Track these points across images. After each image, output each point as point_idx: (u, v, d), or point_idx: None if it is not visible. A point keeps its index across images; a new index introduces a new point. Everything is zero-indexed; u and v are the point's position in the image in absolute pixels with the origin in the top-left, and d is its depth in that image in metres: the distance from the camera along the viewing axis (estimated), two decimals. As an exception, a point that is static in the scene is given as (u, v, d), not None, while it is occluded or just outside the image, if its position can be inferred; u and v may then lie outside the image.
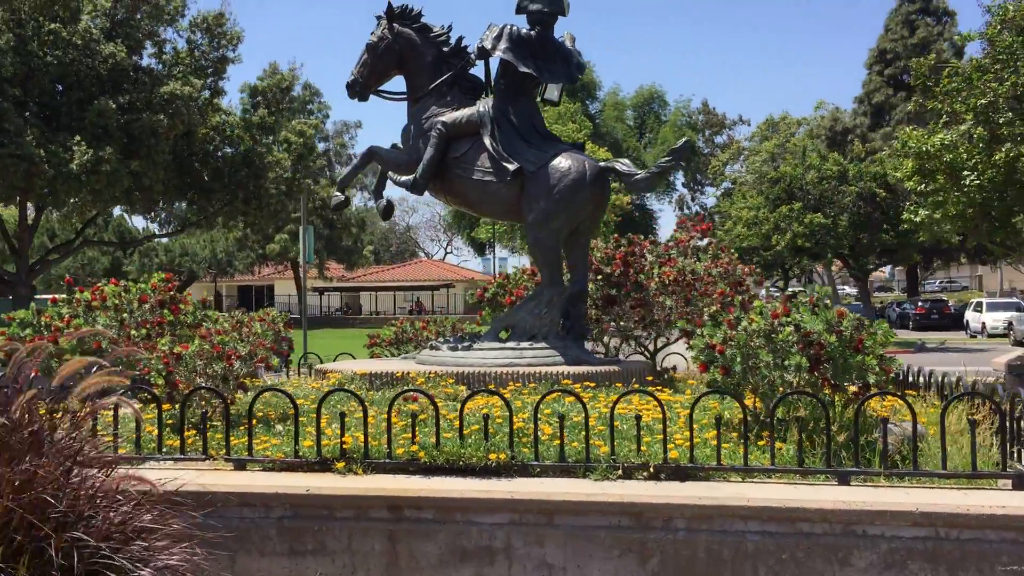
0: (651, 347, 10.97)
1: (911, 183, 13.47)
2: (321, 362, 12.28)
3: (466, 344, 9.52)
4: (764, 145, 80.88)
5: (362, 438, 6.65)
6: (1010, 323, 38.75)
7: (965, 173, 12.09)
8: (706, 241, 10.73)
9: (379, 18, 10.00)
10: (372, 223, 79.07)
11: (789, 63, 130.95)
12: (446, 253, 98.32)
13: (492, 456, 6.28)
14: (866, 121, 63.02)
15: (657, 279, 10.09)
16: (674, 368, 10.52)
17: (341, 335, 38.78)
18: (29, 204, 22.84)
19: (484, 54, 9.52)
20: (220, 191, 23.51)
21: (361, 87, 10.00)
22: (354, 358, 12.54)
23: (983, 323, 42.45)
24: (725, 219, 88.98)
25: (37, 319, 8.63)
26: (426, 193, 10.19)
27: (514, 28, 9.39)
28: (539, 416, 7.09)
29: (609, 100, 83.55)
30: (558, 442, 6.44)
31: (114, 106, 20.17)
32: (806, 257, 41.88)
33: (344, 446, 6.56)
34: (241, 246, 55.57)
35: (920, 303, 54.82)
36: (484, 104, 9.62)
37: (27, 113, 19.88)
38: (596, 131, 66.46)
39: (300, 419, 6.79)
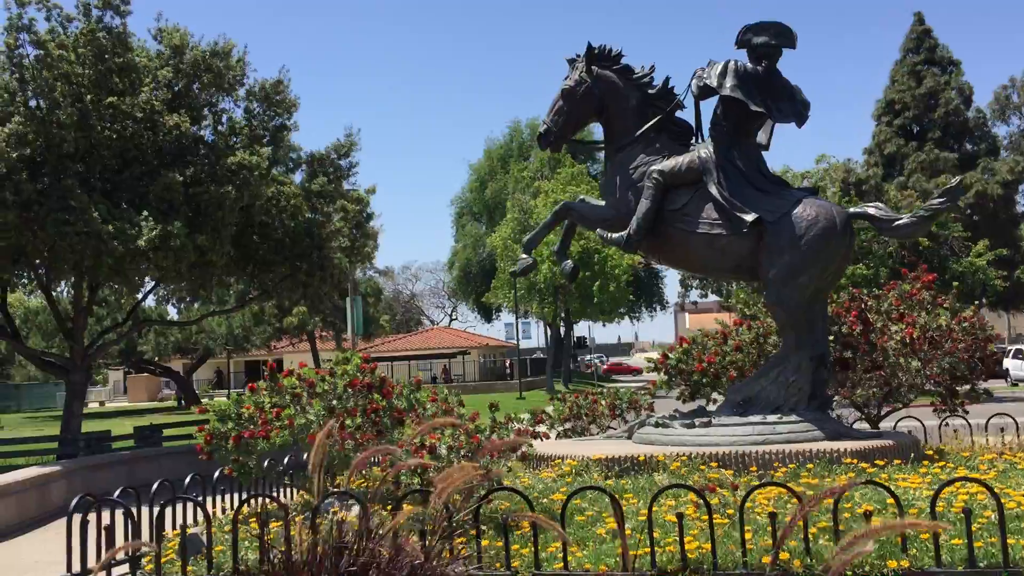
0: (872, 413, 9.85)
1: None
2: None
3: (704, 420, 8.37)
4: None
5: (701, 544, 5.48)
6: (1052, 371, 37.97)
7: None
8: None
9: (572, 61, 9.05)
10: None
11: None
12: (451, 320, 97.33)
13: (891, 563, 5.11)
14: (879, 172, 62.95)
15: (896, 338, 8.99)
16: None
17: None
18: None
19: (707, 92, 8.56)
20: (281, 263, 22.39)
21: (556, 137, 9.02)
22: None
23: (1026, 370, 41.86)
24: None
25: (237, 410, 7.46)
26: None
27: (739, 63, 8.46)
28: (853, 508, 5.94)
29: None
30: (955, 542, 5.29)
31: (180, 179, 19.19)
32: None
33: (687, 555, 5.38)
34: (258, 321, 54.20)
35: (948, 352, 54.25)
36: (704, 149, 8.63)
37: (91, 190, 18.88)
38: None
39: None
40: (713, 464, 7.43)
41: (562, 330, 74.52)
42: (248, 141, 21.20)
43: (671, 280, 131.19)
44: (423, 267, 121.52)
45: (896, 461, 7.66)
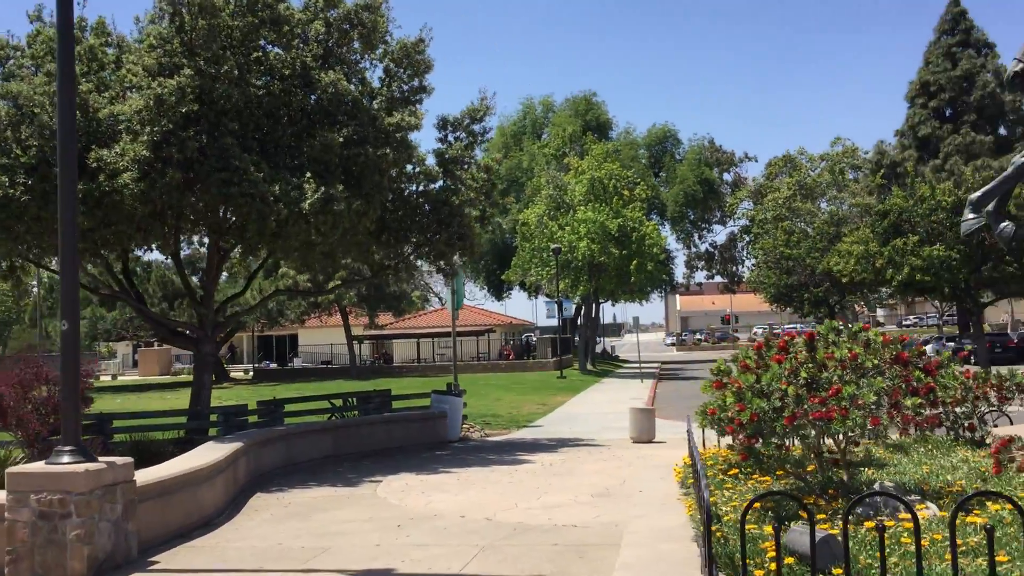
0: None
1: None
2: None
3: None
4: (786, 180, 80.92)
5: None
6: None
7: None
8: None
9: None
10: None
11: (788, 100, 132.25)
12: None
13: None
14: (913, 154, 62.76)
15: None
16: None
17: (474, 382, 35.25)
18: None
19: None
20: (416, 232, 21.34)
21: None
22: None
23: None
24: (744, 255, 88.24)
25: (767, 385, 6.45)
26: None
27: None
28: None
29: (623, 139, 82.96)
30: None
31: (340, 139, 18.11)
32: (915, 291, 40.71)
33: None
34: (291, 295, 52.93)
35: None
36: None
37: (247, 149, 17.76)
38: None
39: None
40: None
41: (581, 309, 73.79)
42: (386, 103, 20.09)
43: (679, 261, 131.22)
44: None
45: None
